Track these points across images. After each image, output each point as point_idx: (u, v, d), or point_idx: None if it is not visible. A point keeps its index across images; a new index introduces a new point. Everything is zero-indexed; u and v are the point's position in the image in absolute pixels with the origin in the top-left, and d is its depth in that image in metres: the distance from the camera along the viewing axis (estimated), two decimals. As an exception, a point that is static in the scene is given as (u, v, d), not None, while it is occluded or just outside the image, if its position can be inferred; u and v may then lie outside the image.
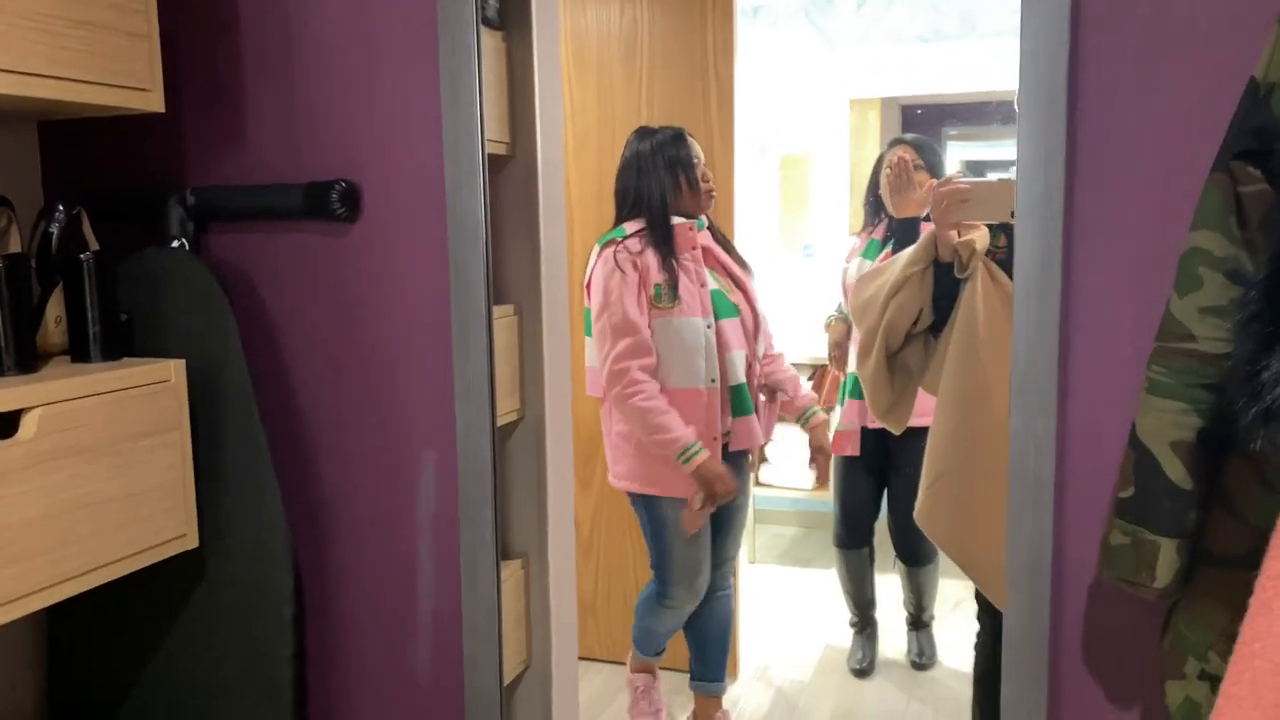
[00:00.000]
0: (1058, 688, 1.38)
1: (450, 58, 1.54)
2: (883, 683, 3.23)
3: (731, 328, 2.51)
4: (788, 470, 4.66)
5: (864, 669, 3.25)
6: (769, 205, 4.82)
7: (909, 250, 2.10)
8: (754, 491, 4.54)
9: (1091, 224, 1.30)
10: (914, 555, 3.19)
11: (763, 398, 2.63)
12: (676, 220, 2.48)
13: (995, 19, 4.41)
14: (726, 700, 2.96)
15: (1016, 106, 1.31)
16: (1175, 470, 1.14)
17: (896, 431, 2.36)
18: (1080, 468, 1.35)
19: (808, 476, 4.50)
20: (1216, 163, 1.12)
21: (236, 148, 1.69)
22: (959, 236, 1.96)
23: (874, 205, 3.14)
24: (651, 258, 2.43)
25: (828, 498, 3.57)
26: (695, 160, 2.52)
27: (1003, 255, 2.05)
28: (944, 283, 2.00)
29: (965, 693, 2.68)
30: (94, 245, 1.51)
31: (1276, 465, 0.96)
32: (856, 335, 2.45)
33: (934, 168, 3.00)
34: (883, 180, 3.04)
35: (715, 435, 2.45)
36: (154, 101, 1.46)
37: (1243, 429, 0.97)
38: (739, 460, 2.60)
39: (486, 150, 1.56)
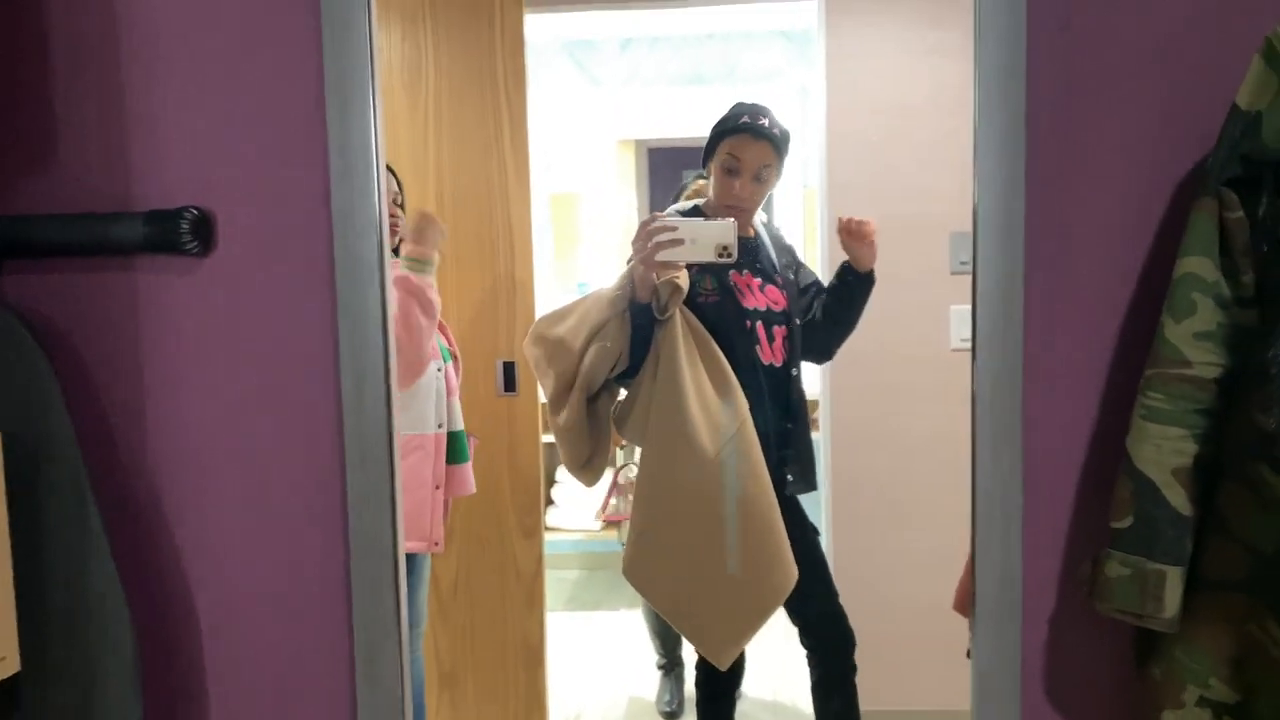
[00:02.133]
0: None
1: (336, 55, 1.31)
2: (692, 721, 3.22)
3: (452, 372, 2.44)
4: (573, 513, 4.61)
5: (674, 710, 3.26)
6: (541, 243, 4.73)
7: (604, 291, 2.02)
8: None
9: (1046, 259, 1.29)
10: None
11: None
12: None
13: (754, 64, 4.58)
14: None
15: (974, 151, 1.28)
16: (1177, 497, 1.14)
17: (590, 485, 2.26)
18: (1039, 500, 1.32)
19: (593, 519, 4.45)
20: (1204, 188, 1.13)
21: (47, 169, 1.36)
22: (659, 277, 1.89)
23: None
24: None
25: (611, 537, 3.53)
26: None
27: (715, 299, 2.06)
28: (641, 325, 1.93)
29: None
30: None
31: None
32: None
33: None
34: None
35: (439, 484, 2.39)
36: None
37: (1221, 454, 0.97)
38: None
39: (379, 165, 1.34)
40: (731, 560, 1.92)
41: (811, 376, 2.84)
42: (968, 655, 1.39)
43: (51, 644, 1.28)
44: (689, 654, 3.34)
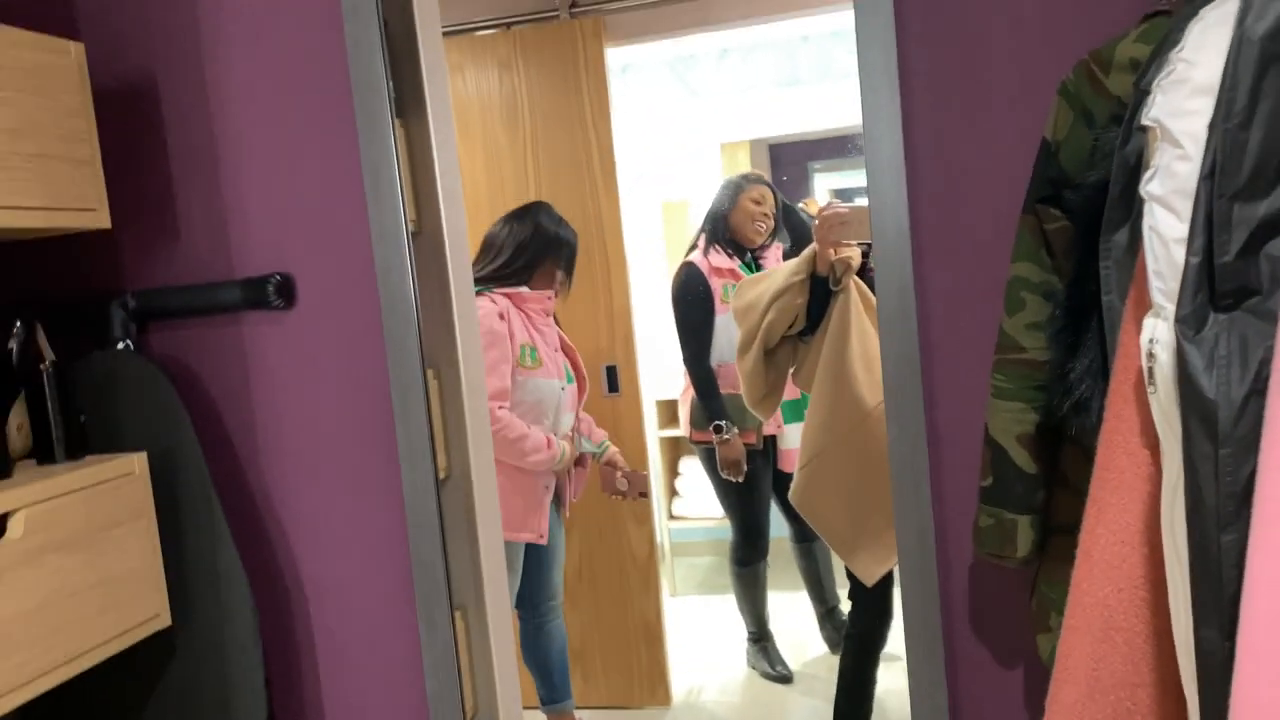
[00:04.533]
0: (952, 653, 1.61)
1: (370, 150, 1.71)
2: (808, 683, 3.47)
3: (571, 392, 2.81)
4: (697, 501, 4.85)
5: (785, 674, 3.51)
6: (654, 250, 5.06)
7: (791, 262, 2.41)
8: (668, 525, 4.76)
9: (934, 262, 1.55)
10: (806, 531, 3.39)
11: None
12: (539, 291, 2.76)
13: (847, 62, 4.76)
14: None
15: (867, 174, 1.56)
16: (1022, 458, 1.39)
17: (765, 419, 2.73)
18: (949, 463, 1.58)
19: (716, 505, 4.70)
20: (1025, 206, 1.37)
21: (171, 251, 1.83)
22: (835, 254, 2.25)
23: (721, 237, 3.38)
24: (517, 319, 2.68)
25: None
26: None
27: (871, 275, 2.36)
28: (817, 294, 2.31)
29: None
30: (50, 355, 1.62)
31: (1089, 445, 1.19)
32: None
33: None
34: (752, 218, 3.31)
35: (548, 485, 2.74)
36: (101, 219, 1.60)
37: (1061, 419, 1.21)
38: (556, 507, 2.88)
39: (410, 231, 1.74)
40: (880, 493, 2.25)
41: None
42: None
43: (194, 610, 1.74)
44: (775, 625, 3.64)
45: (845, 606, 3.48)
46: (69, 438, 1.61)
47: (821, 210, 2.32)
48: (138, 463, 1.63)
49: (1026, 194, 1.37)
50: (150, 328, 1.84)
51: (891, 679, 2.84)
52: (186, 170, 1.81)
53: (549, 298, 2.76)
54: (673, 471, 4.90)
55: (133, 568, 1.59)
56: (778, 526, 3.63)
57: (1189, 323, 0.82)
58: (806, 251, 2.35)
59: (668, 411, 4.76)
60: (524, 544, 2.76)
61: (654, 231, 5.07)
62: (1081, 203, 1.22)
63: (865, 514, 2.33)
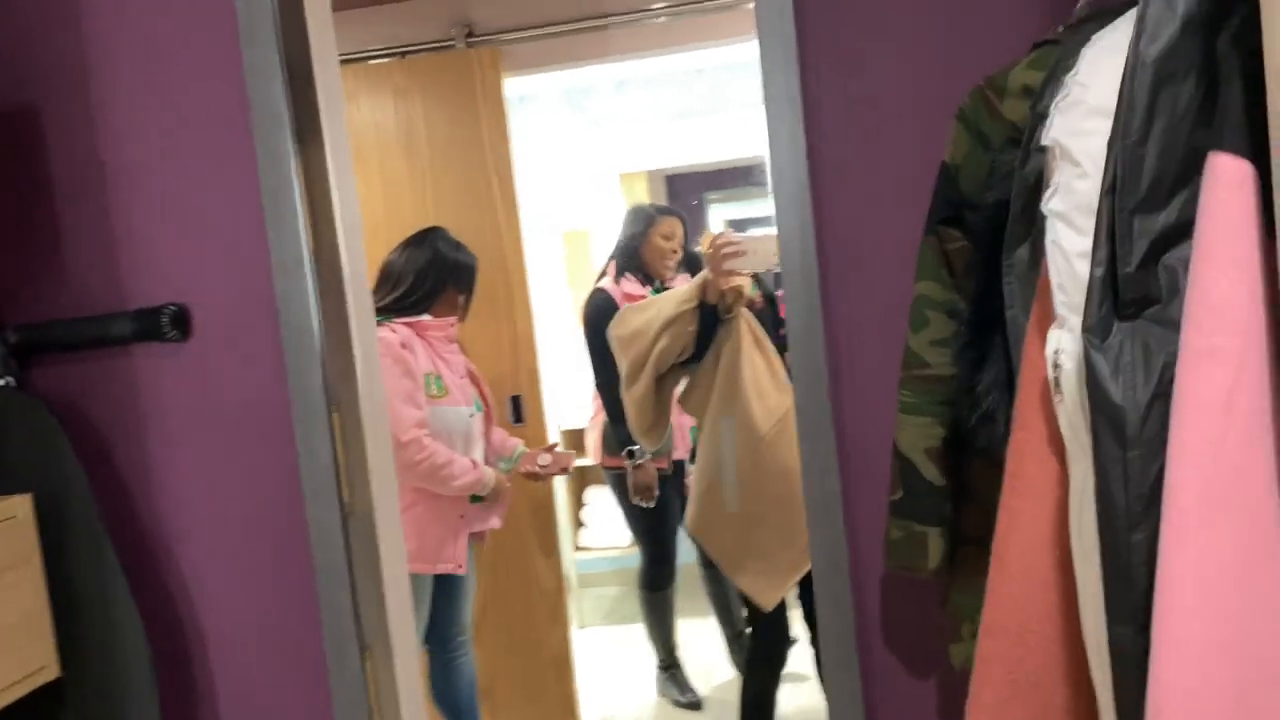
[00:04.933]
0: (867, 666, 1.63)
1: (269, 177, 1.67)
2: (718, 708, 3.49)
3: (479, 421, 2.76)
4: (603, 532, 4.84)
5: (695, 701, 3.52)
6: (557, 279, 5.06)
7: (679, 290, 2.43)
8: (574, 557, 4.72)
9: (840, 287, 1.59)
10: None
11: None
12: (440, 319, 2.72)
13: (742, 94, 4.86)
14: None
15: (771, 191, 1.59)
16: (930, 471, 1.42)
17: (653, 448, 2.74)
18: (859, 479, 1.61)
19: (624, 535, 4.70)
20: (926, 227, 1.42)
21: (56, 282, 1.75)
22: (726, 284, 2.30)
23: (632, 266, 3.39)
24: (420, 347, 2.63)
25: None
26: None
27: (760, 306, 2.45)
28: (706, 322, 2.34)
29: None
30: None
31: (998, 456, 1.23)
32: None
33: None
34: (663, 255, 3.33)
35: (463, 514, 2.68)
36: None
37: (969, 432, 1.25)
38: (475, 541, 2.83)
39: (312, 261, 1.70)
40: (776, 517, 2.33)
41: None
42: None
43: (85, 659, 1.64)
44: (684, 652, 3.65)
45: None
46: (-51, 480, 1.52)
47: (714, 239, 2.34)
48: (21, 505, 1.54)
49: (928, 216, 1.41)
50: (33, 363, 1.75)
51: (801, 697, 2.86)
52: (73, 198, 1.74)
53: (452, 324, 2.72)
54: (578, 502, 4.88)
55: (18, 617, 1.50)
56: (686, 552, 3.64)
57: (1095, 332, 0.86)
58: (697, 279, 2.38)
59: (572, 441, 4.74)
60: (432, 578, 2.70)
61: (556, 261, 5.07)
62: (982, 222, 1.27)
63: (760, 539, 2.37)
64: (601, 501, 4.77)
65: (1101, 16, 1.23)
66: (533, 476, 2.93)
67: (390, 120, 3.30)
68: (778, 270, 2.20)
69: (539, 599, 3.36)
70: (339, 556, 1.70)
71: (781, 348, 2.42)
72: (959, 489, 1.43)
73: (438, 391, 2.61)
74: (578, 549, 4.82)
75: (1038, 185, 1.12)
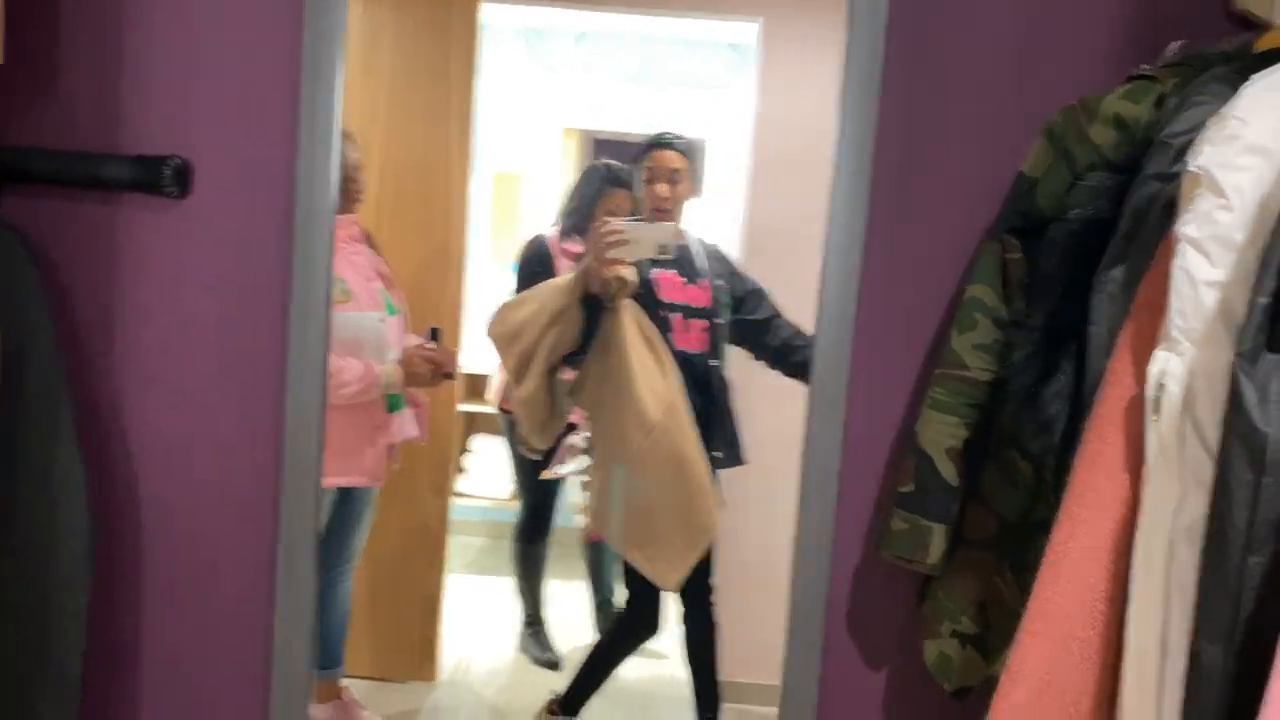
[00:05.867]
0: (829, 647, 1.65)
1: (315, 26, 1.55)
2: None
3: (394, 325, 2.63)
4: (482, 481, 4.79)
5: (554, 660, 3.50)
6: (481, 220, 4.94)
7: (559, 282, 2.40)
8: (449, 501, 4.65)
9: (878, 277, 1.60)
10: None
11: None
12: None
13: (695, 72, 4.85)
14: (425, 700, 3.19)
15: (830, 194, 1.58)
16: (947, 470, 1.45)
17: (544, 447, 2.69)
18: (856, 469, 1.63)
19: (505, 487, 4.66)
20: (992, 233, 1.44)
21: (44, 108, 1.58)
22: (611, 272, 2.28)
23: (580, 230, 3.34)
24: None
25: (514, 507, 3.80)
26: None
27: (638, 292, 2.43)
28: (591, 312, 2.33)
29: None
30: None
31: (1047, 463, 1.27)
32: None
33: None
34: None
35: (378, 424, 2.57)
36: (-11, 49, 1.36)
37: (1022, 437, 1.28)
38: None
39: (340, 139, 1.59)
40: (672, 501, 2.38)
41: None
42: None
43: (18, 518, 1.50)
44: (549, 612, 3.65)
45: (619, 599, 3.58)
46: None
47: (596, 227, 2.31)
48: (-14, 340, 1.40)
49: (995, 222, 1.44)
50: (5, 190, 1.58)
51: (653, 669, 3.11)
52: (82, 18, 1.57)
53: (352, 221, 2.55)
54: (462, 449, 4.81)
55: (-37, 460, 1.36)
56: (565, 517, 3.64)
57: (1248, 358, 0.88)
58: (577, 270, 2.35)
59: (472, 386, 4.66)
60: (334, 493, 2.58)
61: (483, 200, 4.95)
62: (1066, 235, 1.29)
63: (658, 524, 2.41)
64: (485, 449, 4.73)
65: (1197, 61, 1.29)
66: (414, 370, 2.66)
67: (356, 21, 3.14)
68: (667, 257, 2.32)
69: (421, 537, 3.31)
70: (312, 451, 1.60)
71: (663, 329, 2.46)
72: (968, 491, 1.47)
73: (341, 296, 2.43)
74: (454, 494, 4.74)
75: (1147, 211, 1.15)
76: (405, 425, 2.70)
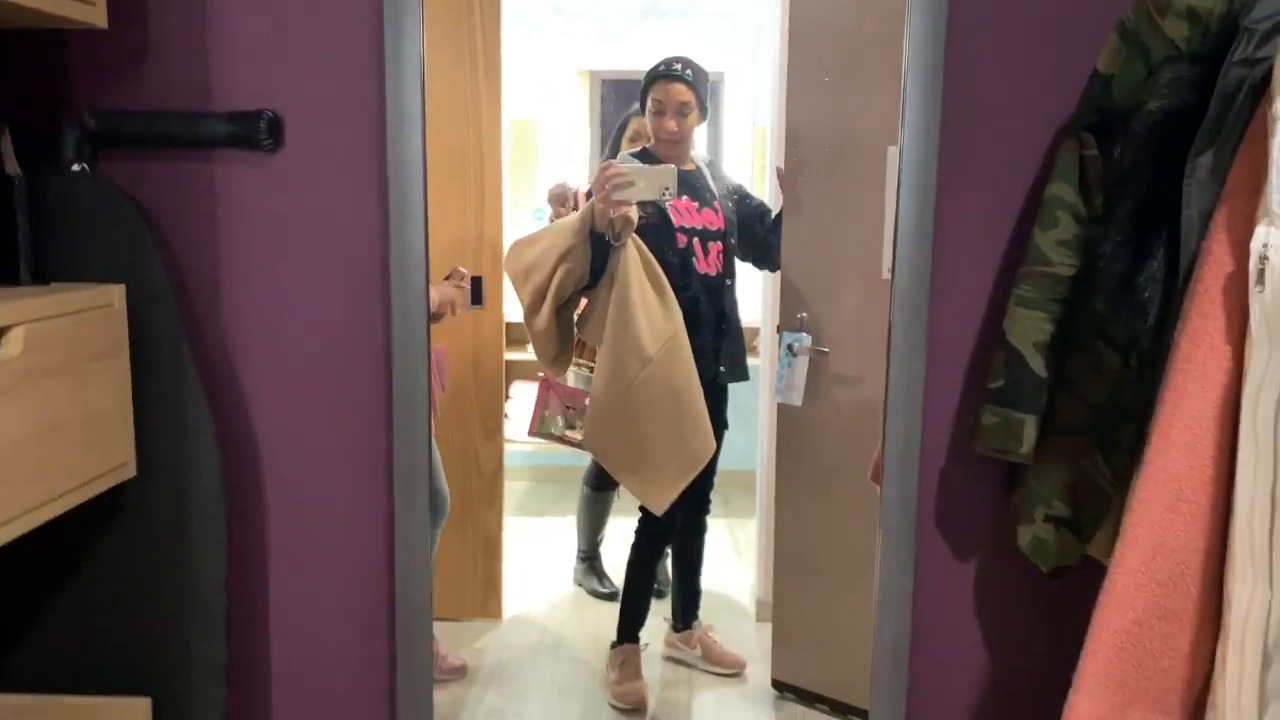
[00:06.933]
0: (920, 547, 1.73)
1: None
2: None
3: None
4: (525, 426, 4.85)
5: (611, 591, 3.60)
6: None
7: (568, 220, 2.53)
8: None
9: (957, 182, 1.65)
10: None
11: None
12: None
13: (712, 2, 4.83)
14: (493, 637, 3.33)
15: (902, 99, 1.62)
16: (1036, 363, 1.52)
17: (560, 374, 2.89)
18: (941, 369, 1.70)
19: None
20: (1069, 130, 1.49)
21: (138, 70, 1.63)
22: (615, 212, 2.41)
23: None
24: None
25: (558, 450, 3.86)
26: None
27: (655, 220, 2.59)
28: (599, 250, 2.46)
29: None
30: (15, 166, 1.42)
31: (1136, 352, 1.33)
32: None
33: None
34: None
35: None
36: (97, 15, 1.40)
37: (1112, 324, 1.35)
38: None
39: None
40: (665, 431, 2.54)
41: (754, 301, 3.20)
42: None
43: (156, 463, 1.58)
44: (603, 548, 3.75)
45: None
46: (37, 259, 1.42)
47: (603, 169, 2.42)
48: (117, 295, 1.46)
49: (1072, 119, 1.49)
50: (103, 155, 1.63)
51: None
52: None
53: None
54: (505, 395, 4.87)
55: (109, 407, 1.44)
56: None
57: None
58: (584, 210, 2.47)
59: (510, 334, 4.72)
60: None
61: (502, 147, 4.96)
62: (1147, 127, 1.35)
63: (652, 451, 2.57)
64: (526, 397, 4.79)
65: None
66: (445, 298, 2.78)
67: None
68: (669, 197, 2.43)
69: (477, 480, 3.41)
70: (421, 396, 1.67)
71: (684, 255, 2.61)
72: (1055, 382, 1.54)
73: None
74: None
75: (1234, 97, 1.21)
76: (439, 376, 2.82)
